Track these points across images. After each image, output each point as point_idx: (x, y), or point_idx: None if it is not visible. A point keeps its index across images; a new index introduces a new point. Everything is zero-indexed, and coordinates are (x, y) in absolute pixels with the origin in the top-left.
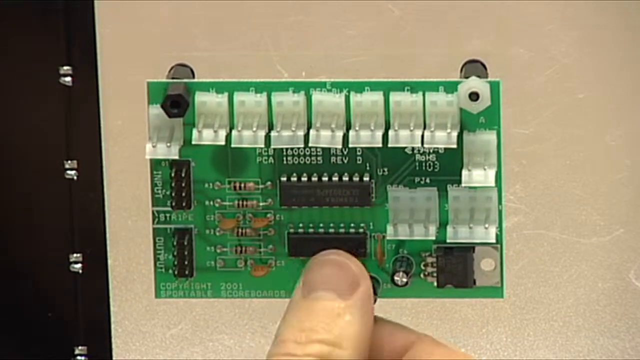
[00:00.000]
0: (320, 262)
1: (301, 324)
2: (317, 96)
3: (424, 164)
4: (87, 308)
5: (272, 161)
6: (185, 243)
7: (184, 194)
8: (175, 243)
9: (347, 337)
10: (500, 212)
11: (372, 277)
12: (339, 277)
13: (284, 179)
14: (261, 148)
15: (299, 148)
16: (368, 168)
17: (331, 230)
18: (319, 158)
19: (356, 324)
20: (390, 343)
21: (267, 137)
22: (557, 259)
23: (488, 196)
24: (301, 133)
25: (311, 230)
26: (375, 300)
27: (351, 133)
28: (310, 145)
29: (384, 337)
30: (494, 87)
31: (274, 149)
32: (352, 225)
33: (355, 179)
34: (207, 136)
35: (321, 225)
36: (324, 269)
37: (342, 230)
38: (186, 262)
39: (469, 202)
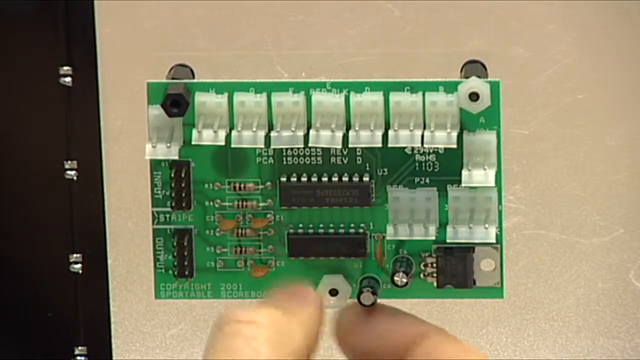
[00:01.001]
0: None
1: None
2: (317, 96)
3: (423, 164)
4: (87, 308)
5: (272, 161)
6: (185, 244)
7: (183, 195)
8: (175, 244)
9: None
10: (500, 212)
11: (372, 278)
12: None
13: (283, 179)
14: (261, 148)
15: (298, 148)
16: (368, 168)
17: (331, 231)
18: (318, 158)
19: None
20: (400, 331)
21: (267, 138)
22: (557, 259)
23: (488, 196)
24: (301, 133)
25: (311, 230)
26: (375, 301)
27: (351, 133)
28: (310, 145)
29: (394, 325)
30: (494, 87)
31: (274, 149)
32: (352, 225)
33: (355, 179)
34: (207, 136)
35: (321, 225)
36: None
37: (342, 231)
38: (186, 263)
39: (469, 202)
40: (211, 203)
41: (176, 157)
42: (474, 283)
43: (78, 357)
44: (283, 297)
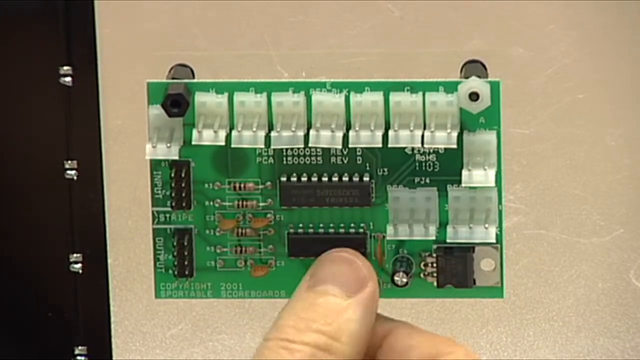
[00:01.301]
0: (330, 259)
1: (303, 313)
2: (317, 96)
3: (423, 164)
4: (87, 308)
5: (272, 161)
6: (185, 243)
7: (183, 194)
8: (175, 243)
9: (347, 333)
10: (500, 212)
11: None
12: (347, 274)
13: (283, 179)
14: (261, 148)
15: (298, 148)
16: (368, 168)
17: (331, 231)
18: (318, 158)
19: (357, 322)
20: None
21: (267, 138)
22: (557, 259)
23: (488, 196)
24: (301, 133)
25: (311, 230)
26: None
27: (351, 133)
28: (310, 145)
29: None
30: (494, 87)
31: (274, 149)
32: (352, 225)
33: (355, 179)
34: (207, 136)
35: (321, 225)
36: (333, 265)
37: (342, 231)
38: (186, 263)
39: (469, 202)
40: (211, 203)
41: (176, 157)
42: (474, 283)
43: (78, 357)
44: (342, 281)
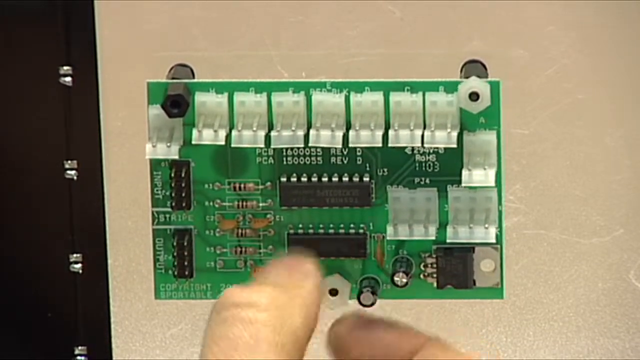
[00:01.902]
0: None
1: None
2: (317, 96)
3: (423, 165)
4: (87, 308)
5: (272, 161)
6: (185, 244)
7: (183, 195)
8: (175, 244)
9: None
10: (500, 212)
11: (372, 278)
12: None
13: (283, 179)
14: (261, 148)
15: (298, 148)
16: (368, 168)
17: (331, 231)
18: (318, 158)
19: None
20: (399, 346)
21: (267, 137)
22: (557, 259)
23: (488, 196)
24: (301, 133)
25: (311, 231)
26: (374, 301)
27: (351, 133)
28: (310, 145)
29: (393, 339)
30: (494, 87)
31: (274, 149)
32: (352, 225)
33: (355, 179)
34: (207, 136)
35: (321, 226)
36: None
37: (342, 231)
38: (186, 263)
39: (469, 202)
40: (211, 203)
41: (176, 157)
42: (474, 284)
43: (78, 357)
44: (282, 273)
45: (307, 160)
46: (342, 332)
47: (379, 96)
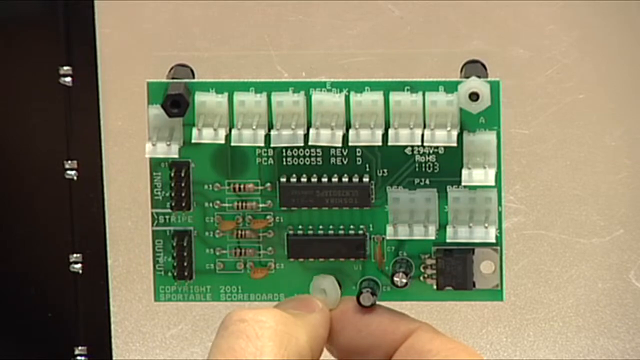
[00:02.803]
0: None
1: None
2: (317, 96)
3: (423, 165)
4: (87, 308)
5: (272, 162)
6: (185, 245)
7: (183, 195)
8: (174, 245)
9: None
10: (500, 213)
11: (371, 279)
12: None
13: (283, 180)
14: (261, 148)
15: (298, 148)
16: (368, 169)
17: (331, 232)
18: (318, 159)
19: None
20: (391, 330)
21: (267, 137)
22: (557, 259)
23: (488, 197)
24: (301, 132)
25: (311, 232)
26: (374, 302)
27: (351, 132)
28: (310, 144)
29: (385, 324)
30: (494, 87)
31: (274, 150)
32: (351, 226)
33: (355, 180)
34: (207, 135)
35: (321, 226)
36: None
37: (341, 232)
38: (185, 265)
39: (469, 203)
40: (211, 204)
41: (176, 156)
42: (474, 285)
43: (78, 357)
44: (290, 304)
45: (307, 160)
46: (337, 315)
47: (378, 96)
